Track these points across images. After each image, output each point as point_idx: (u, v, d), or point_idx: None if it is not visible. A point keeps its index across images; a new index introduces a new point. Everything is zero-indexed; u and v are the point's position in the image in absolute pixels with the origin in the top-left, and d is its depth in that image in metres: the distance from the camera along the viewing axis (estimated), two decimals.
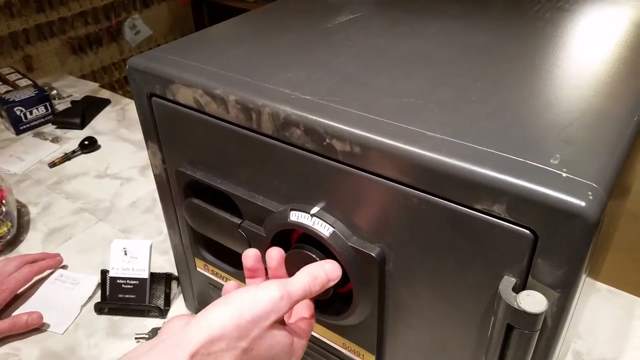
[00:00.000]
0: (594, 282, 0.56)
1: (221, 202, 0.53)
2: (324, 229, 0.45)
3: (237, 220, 0.51)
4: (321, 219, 0.45)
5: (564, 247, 0.33)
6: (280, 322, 0.41)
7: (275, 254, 0.47)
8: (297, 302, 0.41)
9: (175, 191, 0.58)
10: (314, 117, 0.41)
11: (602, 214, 0.32)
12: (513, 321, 0.35)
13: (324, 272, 0.43)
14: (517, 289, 0.36)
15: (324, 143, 0.41)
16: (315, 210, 0.45)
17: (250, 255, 0.47)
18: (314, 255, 0.46)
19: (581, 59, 0.51)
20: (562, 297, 0.35)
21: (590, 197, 0.32)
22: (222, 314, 0.38)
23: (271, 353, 0.40)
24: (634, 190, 0.56)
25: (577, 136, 0.38)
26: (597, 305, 0.74)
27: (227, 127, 0.47)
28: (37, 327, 0.72)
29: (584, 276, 0.36)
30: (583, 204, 0.32)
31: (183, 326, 0.38)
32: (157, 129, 0.54)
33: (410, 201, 0.39)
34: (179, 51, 0.53)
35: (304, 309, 0.47)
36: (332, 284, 0.43)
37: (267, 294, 0.39)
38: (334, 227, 0.44)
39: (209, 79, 0.47)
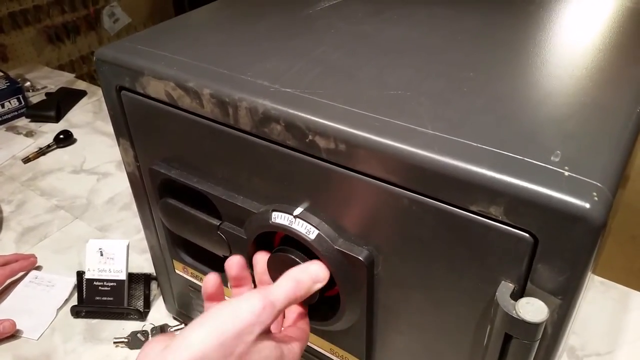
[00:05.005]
0: (592, 277, 0.54)
1: (199, 201, 0.49)
2: (308, 231, 0.42)
3: (215, 222, 0.48)
4: (305, 220, 0.42)
5: (566, 251, 0.31)
6: (267, 333, 0.38)
7: (261, 258, 0.45)
8: (281, 310, 0.38)
9: (150, 190, 0.54)
10: (295, 112, 0.38)
11: (608, 215, 0.30)
12: (511, 330, 0.33)
13: (308, 276, 0.40)
14: (516, 295, 0.34)
15: (307, 140, 0.38)
16: (298, 211, 0.42)
17: (234, 264, 0.43)
18: (297, 259, 0.43)
19: (578, 45, 0.48)
20: (564, 304, 0.33)
21: (595, 198, 0.29)
22: (202, 334, 0.34)
23: None
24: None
25: (578, 130, 0.35)
26: (589, 298, 0.72)
27: (202, 123, 0.44)
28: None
29: (587, 281, 0.33)
30: (587, 205, 0.29)
31: (161, 351, 0.35)
32: (128, 124, 0.51)
33: (400, 202, 0.36)
34: (150, 41, 0.49)
35: (294, 314, 0.44)
36: (318, 286, 0.40)
37: (248, 307, 0.36)
38: (318, 229, 0.41)
39: (181, 71, 0.43)
